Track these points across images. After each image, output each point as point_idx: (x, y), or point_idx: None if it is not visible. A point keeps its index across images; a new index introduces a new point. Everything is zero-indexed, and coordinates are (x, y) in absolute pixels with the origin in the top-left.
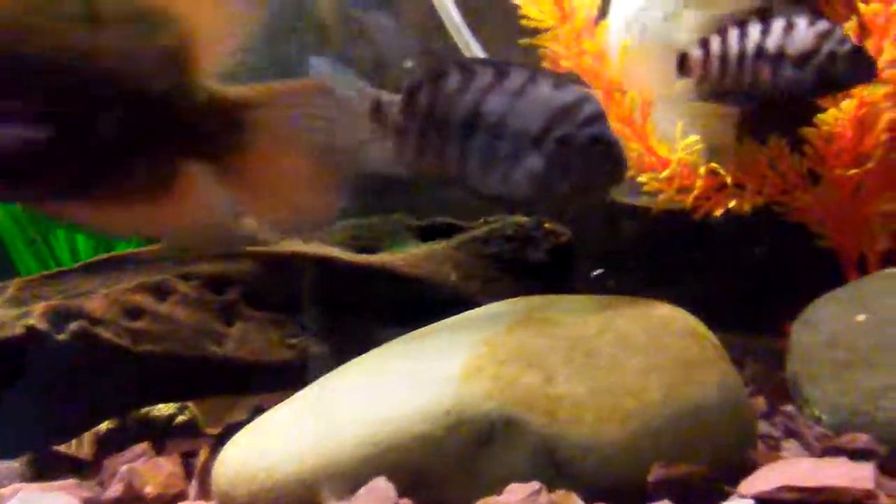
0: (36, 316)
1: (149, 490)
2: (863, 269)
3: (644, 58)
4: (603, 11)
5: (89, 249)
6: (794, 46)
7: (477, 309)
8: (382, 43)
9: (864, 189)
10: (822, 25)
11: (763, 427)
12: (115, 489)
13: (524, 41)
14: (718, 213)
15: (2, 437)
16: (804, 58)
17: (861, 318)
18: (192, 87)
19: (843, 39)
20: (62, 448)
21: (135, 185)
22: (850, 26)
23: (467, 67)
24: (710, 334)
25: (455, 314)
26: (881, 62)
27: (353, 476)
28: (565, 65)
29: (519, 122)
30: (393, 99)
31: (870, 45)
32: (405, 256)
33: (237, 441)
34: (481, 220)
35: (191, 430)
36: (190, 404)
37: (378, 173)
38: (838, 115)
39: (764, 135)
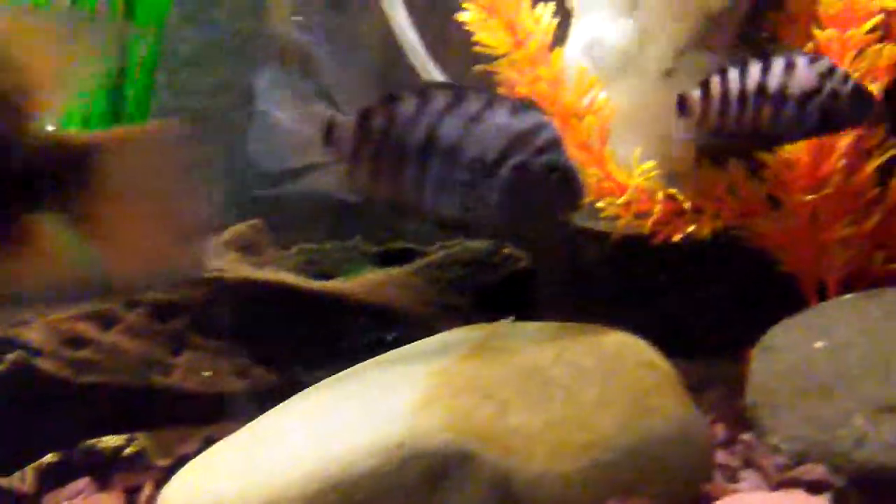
0: None
1: None
2: (822, 294)
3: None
4: (557, 38)
5: None
6: (795, 86)
7: (433, 337)
8: (329, 71)
9: (823, 215)
10: (824, 64)
11: (721, 457)
12: None
13: (479, 67)
14: (677, 238)
15: None
16: (806, 97)
17: (819, 344)
18: (31, 133)
19: (845, 78)
20: (2, 482)
21: None
22: (806, 51)
23: (423, 91)
24: (665, 363)
25: (412, 341)
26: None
27: None
28: (521, 91)
29: (475, 148)
30: (347, 121)
31: None
32: (361, 282)
33: (181, 476)
34: (438, 245)
35: (139, 462)
36: (139, 435)
37: (330, 198)
38: None
39: (723, 160)
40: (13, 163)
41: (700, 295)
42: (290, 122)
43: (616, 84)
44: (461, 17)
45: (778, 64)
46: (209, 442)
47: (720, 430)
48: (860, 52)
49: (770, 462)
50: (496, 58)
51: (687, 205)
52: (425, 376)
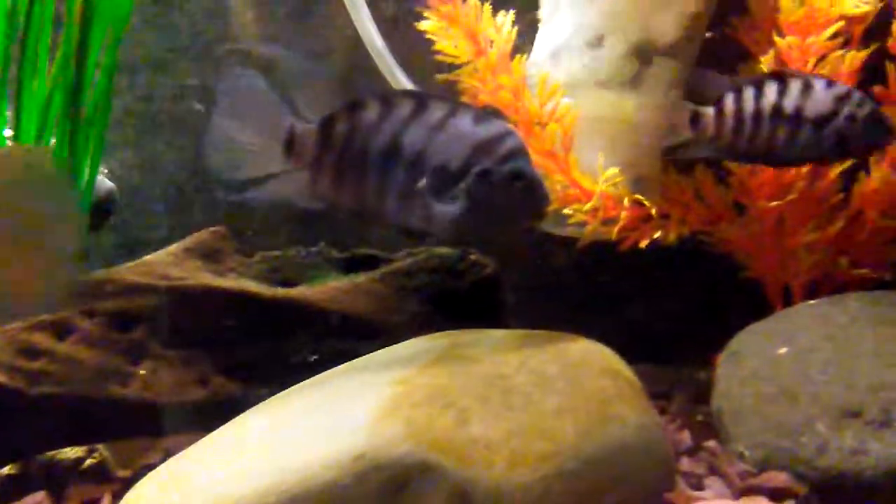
0: None
1: None
2: (788, 299)
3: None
4: (517, 47)
5: None
6: (812, 109)
7: (396, 345)
8: (291, 78)
9: (788, 220)
10: (841, 88)
11: (686, 464)
12: None
13: (442, 76)
14: (644, 244)
15: None
16: (823, 120)
17: (783, 350)
18: None
19: (863, 102)
20: None
21: None
22: (767, 59)
23: (386, 99)
24: (628, 371)
25: (376, 349)
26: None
27: None
28: (483, 99)
29: (439, 157)
30: (309, 129)
31: None
32: (325, 290)
33: (138, 490)
34: (404, 252)
35: (99, 474)
36: (100, 446)
37: (293, 205)
38: None
39: (689, 166)
40: None
41: (667, 300)
42: (249, 130)
43: (582, 91)
44: (422, 26)
45: (795, 86)
46: (172, 451)
47: (686, 437)
48: (822, 58)
49: (734, 469)
50: (459, 66)
51: (653, 211)
52: (387, 386)
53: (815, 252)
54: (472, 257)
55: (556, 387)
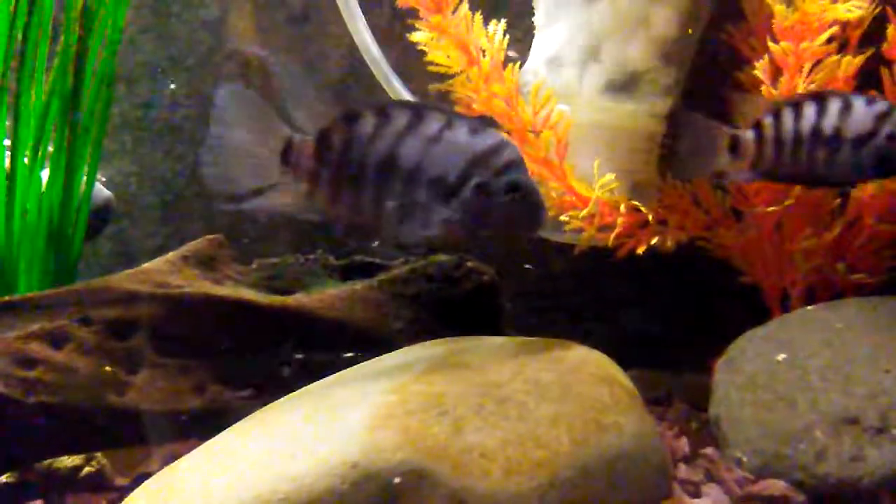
0: None
1: None
2: (786, 305)
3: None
4: (509, 57)
5: None
6: (851, 128)
7: (392, 353)
8: (288, 88)
9: (785, 226)
10: (881, 106)
11: (683, 471)
12: None
13: (434, 86)
14: (641, 250)
15: None
16: (862, 140)
17: (781, 357)
18: None
19: None
20: None
21: None
22: (762, 65)
23: (383, 110)
24: (624, 378)
25: (373, 357)
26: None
27: None
28: (477, 108)
29: (437, 168)
30: (305, 141)
31: (783, 84)
32: (322, 297)
33: (134, 499)
34: (402, 260)
35: (97, 482)
36: (98, 454)
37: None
38: None
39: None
40: None
41: (665, 306)
42: (246, 142)
43: (578, 98)
44: (413, 37)
45: (834, 105)
46: (170, 459)
47: (684, 444)
48: (816, 64)
49: (732, 476)
50: (453, 76)
51: (650, 217)
52: (382, 394)
53: (813, 258)
54: (470, 264)
55: (552, 395)
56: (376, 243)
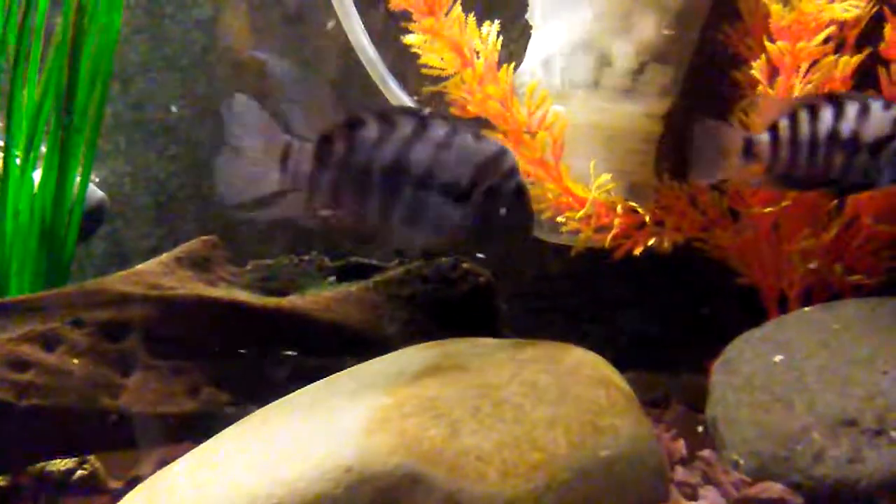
0: None
1: None
2: (783, 306)
3: None
4: (510, 54)
5: None
6: (869, 132)
7: (388, 355)
8: (288, 92)
9: (783, 227)
10: None
11: (681, 473)
12: None
13: (427, 89)
14: (638, 251)
15: None
16: (880, 144)
17: (778, 358)
18: None
19: None
20: None
21: None
22: (759, 64)
23: (385, 117)
24: (621, 381)
25: (368, 359)
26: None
27: None
28: (472, 110)
29: (448, 173)
30: (304, 146)
31: (780, 84)
32: (317, 299)
33: (127, 502)
34: (398, 261)
35: (90, 485)
36: (91, 457)
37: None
38: None
39: (683, 172)
40: None
41: (663, 307)
42: (248, 151)
43: (575, 99)
44: (407, 40)
45: (852, 107)
46: (164, 462)
47: (681, 446)
48: (813, 63)
49: (729, 478)
50: (448, 77)
51: (647, 218)
52: (378, 396)
53: (811, 258)
54: (466, 266)
55: (548, 397)
56: (384, 248)
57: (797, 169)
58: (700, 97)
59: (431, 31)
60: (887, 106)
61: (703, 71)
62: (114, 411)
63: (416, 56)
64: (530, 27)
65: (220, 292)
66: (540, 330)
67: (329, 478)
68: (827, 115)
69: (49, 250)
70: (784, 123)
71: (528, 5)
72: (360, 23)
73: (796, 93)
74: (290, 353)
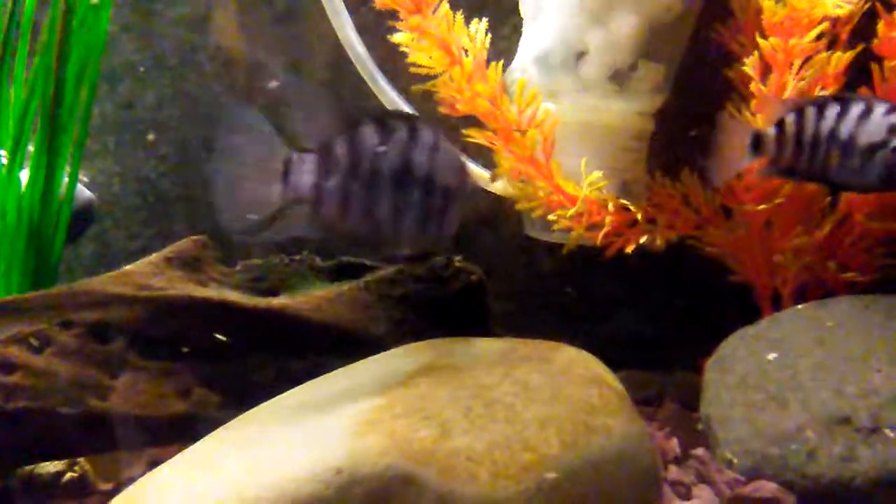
0: None
1: None
2: (777, 303)
3: None
4: (500, 52)
5: None
6: (864, 136)
7: (379, 355)
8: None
9: (776, 224)
10: None
11: (674, 472)
12: None
13: (416, 87)
14: (630, 249)
15: None
16: (873, 149)
17: (772, 356)
18: None
19: None
20: None
21: None
22: (751, 61)
23: (381, 122)
24: (613, 380)
25: (360, 359)
26: (786, 97)
27: None
28: (461, 108)
29: (443, 175)
30: (302, 157)
31: (772, 81)
32: (308, 299)
33: None
34: (390, 261)
35: (80, 487)
36: (81, 460)
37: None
38: None
39: (675, 169)
40: None
41: (657, 305)
42: (247, 168)
43: (566, 96)
44: (395, 38)
45: (855, 109)
46: (154, 464)
47: (674, 445)
48: (806, 60)
49: (723, 477)
50: (437, 76)
51: (639, 216)
52: (368, 397)
53: (804, 256)
54: (459, 264)
55: (540, 397)
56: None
57: (799, 164)
58: (692, 95)
59: (419, 29)
60: (890, 111)
61: (695, 68)
62: (103, 413)
63: (406, 54)
64: (521, 24)
65: (210, 293)
66: (532, 329)
67: (319, 479)
68: (832, 114)
69: (37, 251)
70: (791, 119)
71: (517, 3)
72: (349, 20)
73: (789, 89)
74: (281, 353)
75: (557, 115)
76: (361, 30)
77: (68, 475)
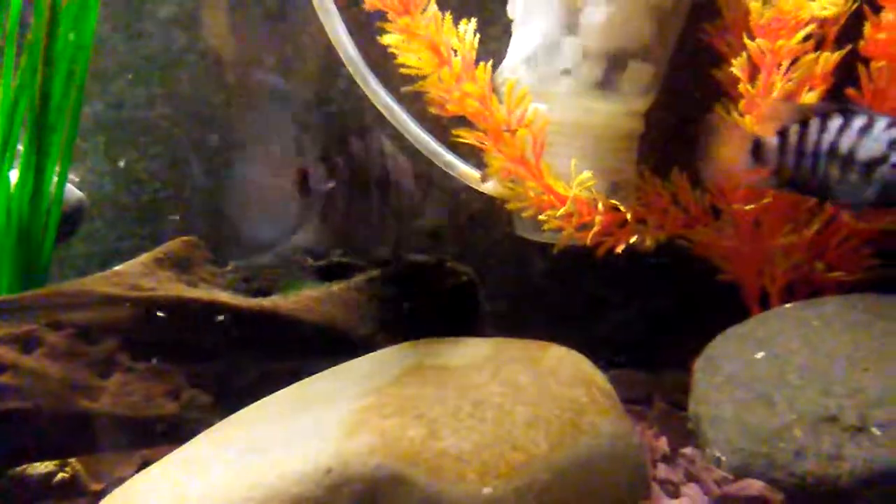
0: None
1: None
2: (765, 302)
3: None
4: (491, 53)
5: None
6: (863, 150)
7: (369, 355)
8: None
9: (764, 224)
10: None
11: (663, 471)
12: None
13: (406, 88)
14: (620, 249)
15: None
16: (871, 165)
17: (760, 355)
18: None
19: None
20: None
21: None
22: (739, 62)
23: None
24: (601, 379)
25: (350, 359)
26: (773, 97)
27: None
28: (450, 108)
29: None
30: (317, 168)
31: (760, 82)
32: (298, 299)
33: None
34: (382, 260)
35: (71, 488)
36: (72, 460)
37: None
38: None
39: (665, 170)
40: None
41: (647, 305)
42: (270, 191)
43: (556, 97)
44: (384, 40)
45: (857, 122)
46: (146, 465)
47: (664, 444)
48: (794, 61)
49: (711, 476)
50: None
51: (629, 216)
52: (358, 397)
53: (792, 255)
54: (449, 265)
55: (528, 397)
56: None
57: (800, 175)
58: (681, 95)
59: (407, 30)
60: (891, 125)
61: (683, 69)
62: (93, 414)
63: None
64: (511, 25)
65: (201, 293)
66: (524, 328)
67: (309, 479)
68: (835, 125)
69: (26, 251)
70: (794, 129)
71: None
72: (340, 20)
73: (777, 90)
74: (271, 354)
75: (547, 115)
76: (353, 30)
77: (59, 476)
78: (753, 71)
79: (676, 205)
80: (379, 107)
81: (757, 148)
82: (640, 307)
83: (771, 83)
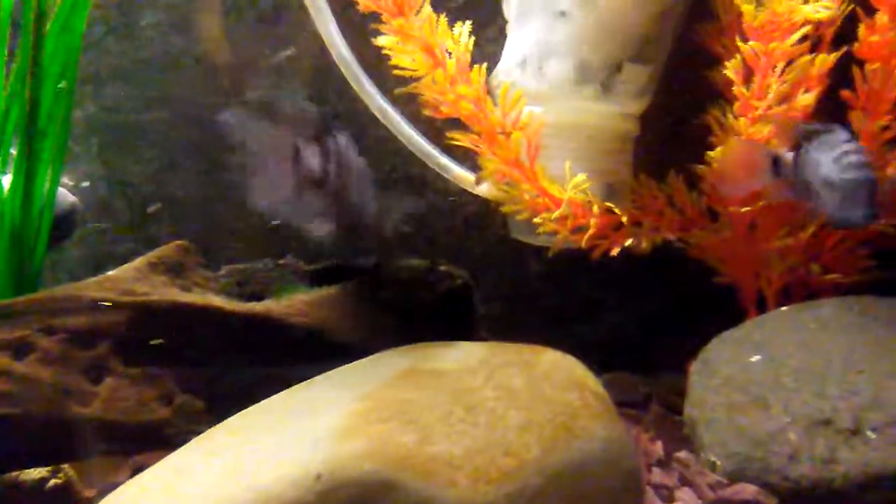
0: None
1: None
2: (762, 305)
3: None
4: (480, 57)
5: None
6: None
7: (362, 360)
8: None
9: (760, 226)
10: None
11: (657, 475)
12: None
13: (400, 90)
14: (616, 251)
15: None
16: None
17: (755, 358)
18: None
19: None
20: None
21: None
22: (733, 64)
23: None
24: (595, 384)
25: (343, 363)
26: (768, 100)
27: None
28: (445, 111)
29: None
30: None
31: (755, 84)
32: (292, 303)
33: None
34: (373, 264)
35: (64, 494)
36: (64, 466)
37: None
38: None
39: (661, 172)
40: None
41: (643, 308)
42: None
43: (551, 99)
44: (378, 41)
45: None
46: (138, 470)
47: (658, 448)
48: (788, 63)
49: (705, 480)
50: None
51: (624, 219)
52: (350, 402)
53: (788, 258)
54: (443, 268)
55: (521, 401)
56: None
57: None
58: (677, 97)
59: (401, 31)
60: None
61: (679, 71)
62: (86, 419)
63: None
64: (506, 27)
65: (194, 298)
66: (519, 332)
67: (300, 485)
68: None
69: (19, 256)
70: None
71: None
72: (334, 21)
73: (772, 93)
74: (264, 359)
75: (542, 117)
76: (347, 32)
77: (52, 481)
78: (749, 73)
79: (672, 207)
80: (373, 109)
81: (776, 163)
82: (635, 310)
83: (766, 85)
